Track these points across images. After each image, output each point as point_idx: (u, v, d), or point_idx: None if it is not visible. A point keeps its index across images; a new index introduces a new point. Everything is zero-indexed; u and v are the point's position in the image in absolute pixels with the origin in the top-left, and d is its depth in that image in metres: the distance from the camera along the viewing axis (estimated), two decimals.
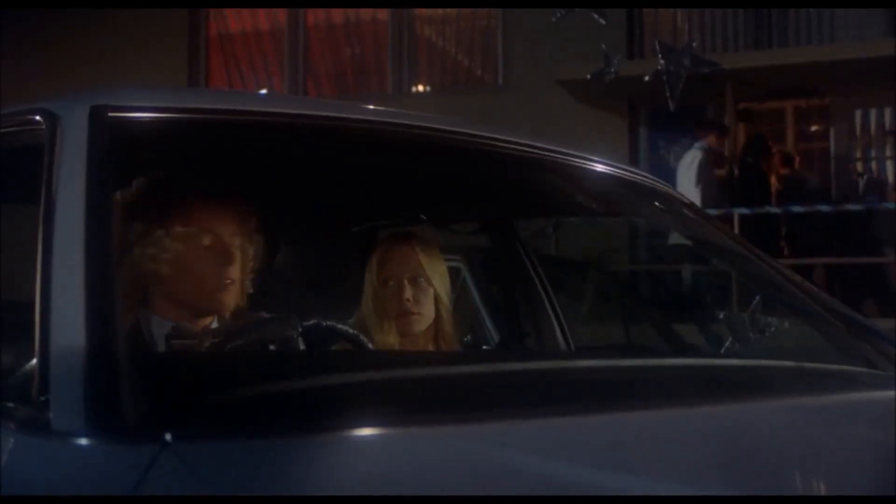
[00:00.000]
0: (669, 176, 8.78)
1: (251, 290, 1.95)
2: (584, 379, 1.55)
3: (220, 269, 1.85)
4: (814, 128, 9.95)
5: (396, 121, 1.85)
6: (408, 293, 2.24)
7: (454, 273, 3.08)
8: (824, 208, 8.21)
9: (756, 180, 8.58)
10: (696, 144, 8.10)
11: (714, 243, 2.36)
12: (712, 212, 7.64)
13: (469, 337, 3.00)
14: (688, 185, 7.87)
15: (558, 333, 2.78)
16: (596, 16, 6.19)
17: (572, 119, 9.26)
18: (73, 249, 1.23)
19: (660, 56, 6.49)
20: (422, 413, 1.21)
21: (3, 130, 1.59)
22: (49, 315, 1.16)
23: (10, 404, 1.20)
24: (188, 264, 1.82)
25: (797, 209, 8.16)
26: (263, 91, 11.24)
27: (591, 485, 1.14)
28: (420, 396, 1.28)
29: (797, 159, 9.39)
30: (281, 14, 11.18)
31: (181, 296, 1.83)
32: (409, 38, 10.82)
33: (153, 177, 1.85)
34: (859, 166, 9.71)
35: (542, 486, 1.10)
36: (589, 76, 7.15)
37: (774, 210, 8.15)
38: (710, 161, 8.16)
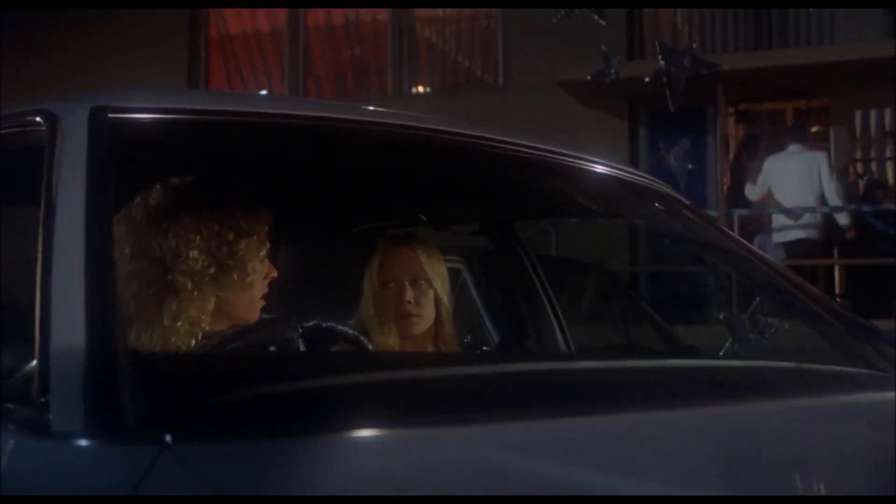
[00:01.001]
0: (669, 177, 8.77)
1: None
2: (584, 380, 1.55)
3: (267, 279, 1.88)
4: (814, 129, 9.94)
5: (396, 122, 1.85)
6: (408, 295, 2.24)
7: (454, 274, 3.07)
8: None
9: (745, 180, 8.60)
10: (794, 147, 8.05)
11: (714, 244, 2.35)
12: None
13: (469, 338, 3.00)
14: (810, 189, 7.89)
15: (558, 334, 2.77)
16: (596, 17, 6.18)
17: (572, 120, 9.25)
18: (73, 249, 1.23)
19: (660, 57, 6.48)
20: (422, 414, 1.21)
21: (3, 131, 1.59)
22: (49, 315, 1.16)
23: (11, 405, 1.20)
24: (250, 274, 1.82)
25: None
26: (263, 92, 11.24)
27: (591, 485, 1.14)
28: (420, 397, 1.28)
29: None
30: (281, 15, 11.17)
31: (230, 306, 1.82)
32: (409, 38, 10.82)
33: (179, 182, 1.84)
34: (859, 167, 9.70)
35: (542, 487, 1.11)
36: (589, 77, 7.14)
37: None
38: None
